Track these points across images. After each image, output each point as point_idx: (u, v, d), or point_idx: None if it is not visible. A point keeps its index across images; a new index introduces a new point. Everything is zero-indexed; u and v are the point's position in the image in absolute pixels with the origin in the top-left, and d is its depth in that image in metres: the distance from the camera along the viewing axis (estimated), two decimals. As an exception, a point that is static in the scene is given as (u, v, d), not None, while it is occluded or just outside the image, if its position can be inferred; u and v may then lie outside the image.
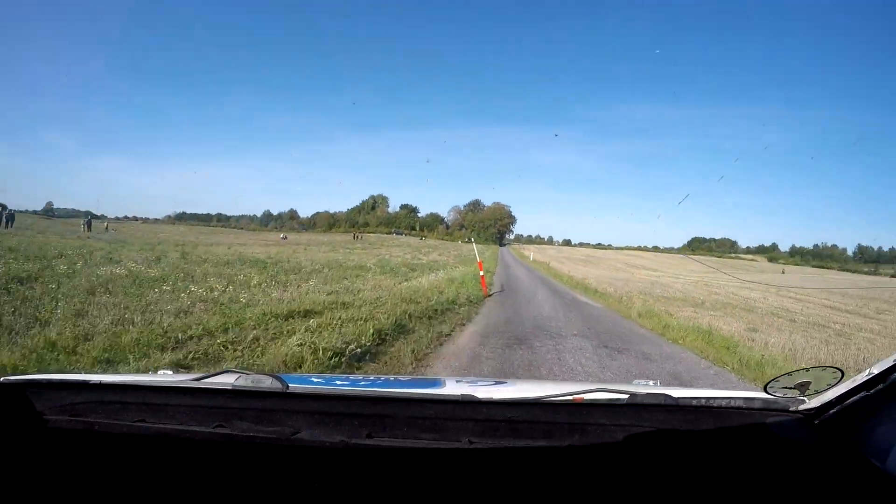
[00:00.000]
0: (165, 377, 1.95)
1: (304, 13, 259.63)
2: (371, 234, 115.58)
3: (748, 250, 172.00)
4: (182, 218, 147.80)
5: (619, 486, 1.30)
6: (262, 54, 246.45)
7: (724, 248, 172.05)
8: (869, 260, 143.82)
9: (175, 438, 1.45)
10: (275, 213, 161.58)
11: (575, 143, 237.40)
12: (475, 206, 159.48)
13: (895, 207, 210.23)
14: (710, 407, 1.58)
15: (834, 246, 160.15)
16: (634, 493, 1.28)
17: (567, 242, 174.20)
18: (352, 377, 2.59)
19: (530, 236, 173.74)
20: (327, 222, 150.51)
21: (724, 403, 1.58)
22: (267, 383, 1.62)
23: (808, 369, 1.55)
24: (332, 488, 1.29)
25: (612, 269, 58.61)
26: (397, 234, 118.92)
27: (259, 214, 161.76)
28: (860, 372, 1.37)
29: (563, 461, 1.38)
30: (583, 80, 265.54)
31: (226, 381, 1.68)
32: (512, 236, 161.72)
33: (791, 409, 1.54)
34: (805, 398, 1.54)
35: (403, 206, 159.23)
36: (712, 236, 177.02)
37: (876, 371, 1.30)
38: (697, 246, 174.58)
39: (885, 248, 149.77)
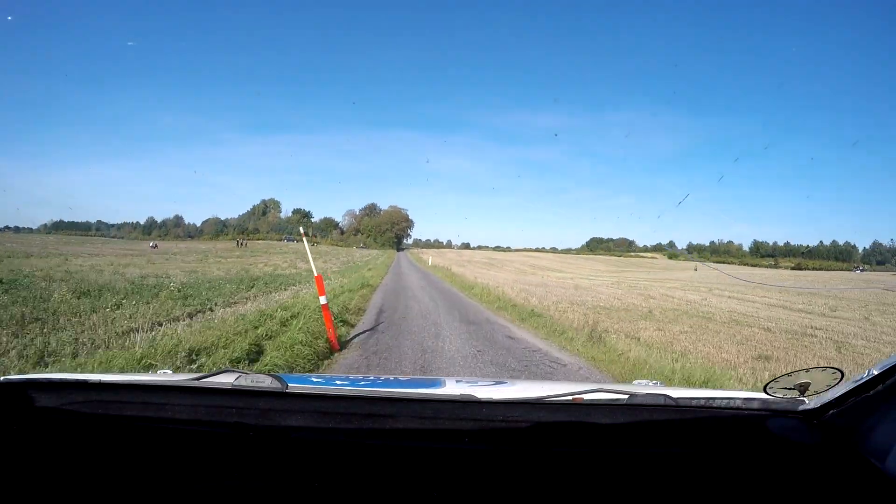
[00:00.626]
0: (165, 377, 1.90)
1: (197, 8, 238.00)
2: (260, 241, 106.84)
3: (645, 249, 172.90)
4: (59, 227, 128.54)
5: (619, 485, 1.29)
6: (149, 49, 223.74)
7: (622, 247, 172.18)
8: (765, 254, 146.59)
9: (175, 438, 1.46)
10: (159, 220, 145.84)
11: (470, 149, 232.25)
12: (371, 210, 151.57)
13: (784, 206, 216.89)
14: (709, 407, 1.55)
15: (730, 242, 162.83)
16: (634, 493, 1.28)
17: (466, 246, 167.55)
18: (351, 377, 2.42)
19: (429, 240, 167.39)
20: (215, 229, 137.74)
21: (723, 404, 1.54)
22: (267, 383, 1.57)
23: (807, 370, 1.52)
24: (331, 487, 1.30)
25: (519, 271, 53.77)
26: (289, 240, 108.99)
27: (143, 222, 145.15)
28: (860, 373, 1.36)
29: (562, 461, 1.37)
30: (477, 87, 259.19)
31: (225, 380, 1.63)
32: (410, 241, 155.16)
33: (791, 409, 1.50)
34: (805, 399, 1.51)
35: (296, 211, 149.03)
36: (609, 236, 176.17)
37: (876, 372, 1.29)
38: (596, 246, 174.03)
39: (780, 243, 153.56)
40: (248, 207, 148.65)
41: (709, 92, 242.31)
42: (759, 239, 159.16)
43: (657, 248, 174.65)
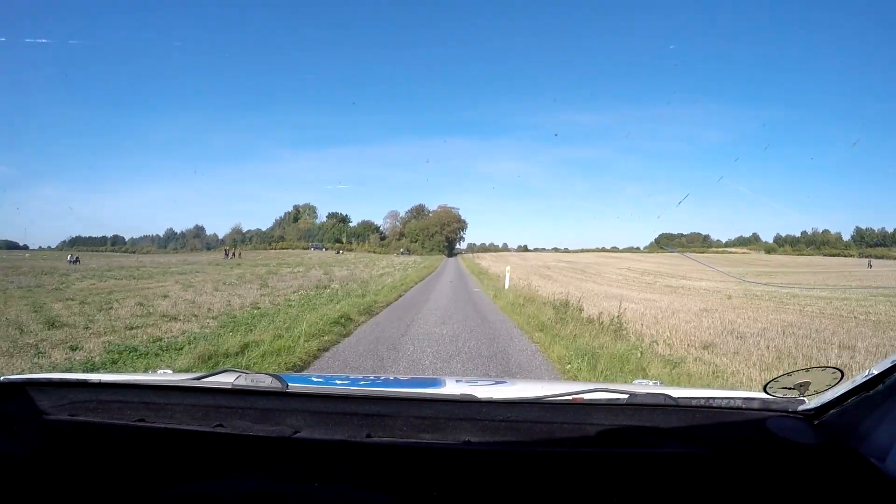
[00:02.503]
0: (165, 376, 1.85)
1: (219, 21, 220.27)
2: (272, 251, 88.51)
3: (727, 243, 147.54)
4: (76, 243, 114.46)
5: (620, 485, 1.24)
6: (173, 62, 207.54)
7: (696, 242, 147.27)
8: (871, 243, 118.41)
9: (175, 437, 1.43)
10: (179, 231, 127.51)
11: (519, 151, 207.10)
12: (418, 212, 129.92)
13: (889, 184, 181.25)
14: (709, 407, 1.50)
15: (826, 231, 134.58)
16: (635, 493, 1.23)
17: (524, 248, 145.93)
18: (352, 377, 2.22)
19: (483, 244, 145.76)
20: (234, 239, 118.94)
21: (723, 404, 1.50)
22: (267, 382, 1.54)
23: (807, 370, 1.48)
24: (331, 487, 1.25)
25: (647, 285, 32.10)
26: (316, 248, 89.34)
27: (162, 234, 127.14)
28: (860, 373, 1.33)
29: (562, 461, 1.34)
30: (522, 89, 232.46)
31: (226, 380, 1.60)
32: (464, 245, 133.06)
33: (790, 409, 1.47)
34: (804, 399, 1.47)
35: (331, 216, 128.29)
36: (679, 231, 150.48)
37: (876, 371, 1.26)
38: (667, 243, 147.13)
39: (889, 229, 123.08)
40: (281, 214, 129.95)
41: (766, 77, 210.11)
42: (862, 225, 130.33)
43: (740, 242, 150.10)
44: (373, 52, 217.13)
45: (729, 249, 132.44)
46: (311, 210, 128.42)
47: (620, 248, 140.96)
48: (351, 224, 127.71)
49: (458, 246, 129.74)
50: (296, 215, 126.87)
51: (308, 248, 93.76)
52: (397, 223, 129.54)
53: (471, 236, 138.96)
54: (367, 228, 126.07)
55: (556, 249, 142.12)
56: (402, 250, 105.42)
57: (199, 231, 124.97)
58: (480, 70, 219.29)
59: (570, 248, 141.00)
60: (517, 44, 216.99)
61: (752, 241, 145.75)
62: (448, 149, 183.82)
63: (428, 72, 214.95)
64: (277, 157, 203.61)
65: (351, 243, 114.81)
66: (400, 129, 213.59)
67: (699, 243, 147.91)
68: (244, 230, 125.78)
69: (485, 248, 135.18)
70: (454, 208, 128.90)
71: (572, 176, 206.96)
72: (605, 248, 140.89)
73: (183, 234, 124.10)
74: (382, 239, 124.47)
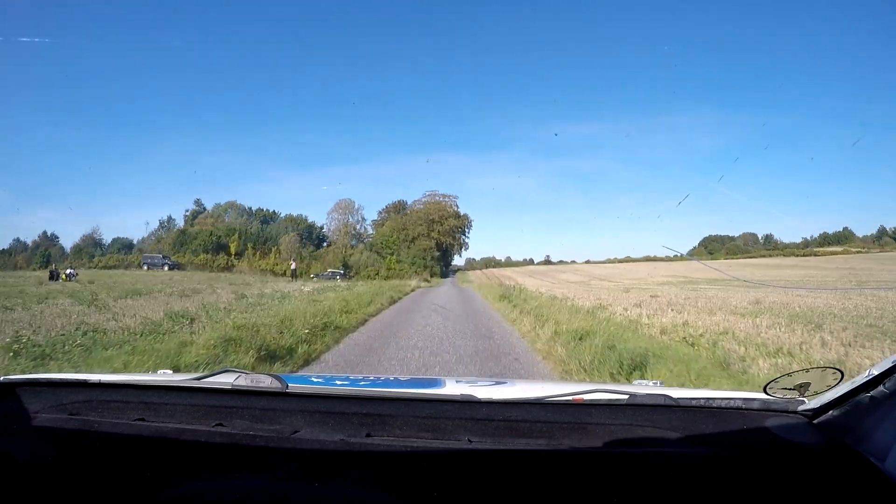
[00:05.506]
0: (165, 376, 1.84)
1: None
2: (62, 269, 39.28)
3: (801, 244, 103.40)
4: None
5: (619, 486, 1.23)
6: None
7: (751, 245, 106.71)
8: None
9: (175, 437, 1.41)
10: (28, 241, 78.72)
11: (519, 164, 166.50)
12: (397, 209, 78.90)
13: None
14: (709, 407, 1.49)
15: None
16: (635, 493, 1.22)
17: (547, 261, 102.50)
18: (351, 377, 2.13)
19: (485, 258, 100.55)
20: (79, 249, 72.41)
21: (723, 404, 1.49)
22: (266, 383, 1.53)
23: (807, 370, 1.46)
24: (331, 488, 1.23)
25: None
26: (153, 263, 41.64)
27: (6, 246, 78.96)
28: (860, 373, 1.32)
29: (562, 461, 1.32)
30: (518, 102, 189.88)
31: (225, 380, 1.59)
32: (462, 258, 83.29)
33: (790, 409, 1.45)
34: (804, 399, 1.45)
35: (254, 212, 79.73)
36: (727, 233, 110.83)
37: (876, 372, 1.25)
38: (716, 248, 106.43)
39: None
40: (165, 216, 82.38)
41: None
42: None
43: (825, 241, 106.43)
44: (363, 68, 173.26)
45: (819, 251, 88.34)
46: (237, 208, 79.57)
47: (633, 256, 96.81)
48: (277, 223, 78.44)
49: (454, 260, 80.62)
50: (194, 215, 78.47)
51: (142, 266, 48.06)
52: (352, 219, 78.21)
53: (471, 246, 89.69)
54: (295, 223, 75.83)
55: (561, 262, 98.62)
56: (327, 272, 54.16)
57: (45, 241, 76.64)
58: (471, 84, 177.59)
59: (576, 260, 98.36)
60: (508, 56, 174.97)
61: (845, 238, 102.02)
62: (442, 165, 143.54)
63: (419, 89, 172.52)
64: (272, 179, 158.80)
65: (236, 257, 63.89)
66: (393, 145, 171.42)
67: (759, 245, 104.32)
68: (100, 237, 78.56)
69: (491, 263, 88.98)
70: (449, 197, 77.14)
71: (572, 186, 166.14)
72: (615, 258, 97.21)
73: (26, 247, 76.05)
74: (324, 245, 75.68)
